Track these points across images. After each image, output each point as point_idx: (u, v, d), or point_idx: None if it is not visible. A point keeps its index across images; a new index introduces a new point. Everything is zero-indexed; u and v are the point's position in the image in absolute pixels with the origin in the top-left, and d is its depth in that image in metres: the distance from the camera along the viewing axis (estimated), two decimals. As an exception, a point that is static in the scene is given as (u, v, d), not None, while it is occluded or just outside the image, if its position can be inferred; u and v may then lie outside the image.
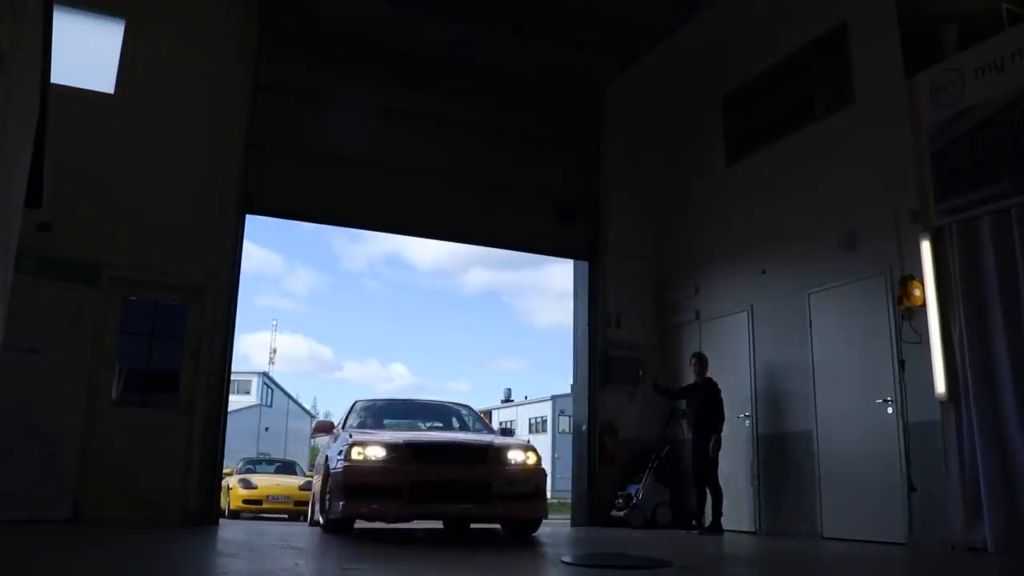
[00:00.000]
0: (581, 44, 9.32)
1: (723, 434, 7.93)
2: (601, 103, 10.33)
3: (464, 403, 8.58)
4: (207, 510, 7.55)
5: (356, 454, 6.04)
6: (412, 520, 6.63)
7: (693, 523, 8.18)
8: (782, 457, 7.89)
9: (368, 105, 9.17)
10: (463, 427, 7.93)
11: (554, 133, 10.07)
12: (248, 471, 16.84)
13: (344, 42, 9.08)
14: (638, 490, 8.89)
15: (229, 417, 8.09)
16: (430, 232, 9.93)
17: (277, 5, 8.60)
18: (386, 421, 7.82)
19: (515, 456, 6.35)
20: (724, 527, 7.82)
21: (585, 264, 10.04)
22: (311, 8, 8.68)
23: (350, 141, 8.97)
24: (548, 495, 7.83)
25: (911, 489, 6.45)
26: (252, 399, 44.95)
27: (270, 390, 48.04)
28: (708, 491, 7.94)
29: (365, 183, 8.96)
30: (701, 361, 8.35)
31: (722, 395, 8.05)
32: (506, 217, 9.64)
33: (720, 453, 7.90)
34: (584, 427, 9.63)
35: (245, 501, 14.80)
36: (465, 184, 9.47)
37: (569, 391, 11.50)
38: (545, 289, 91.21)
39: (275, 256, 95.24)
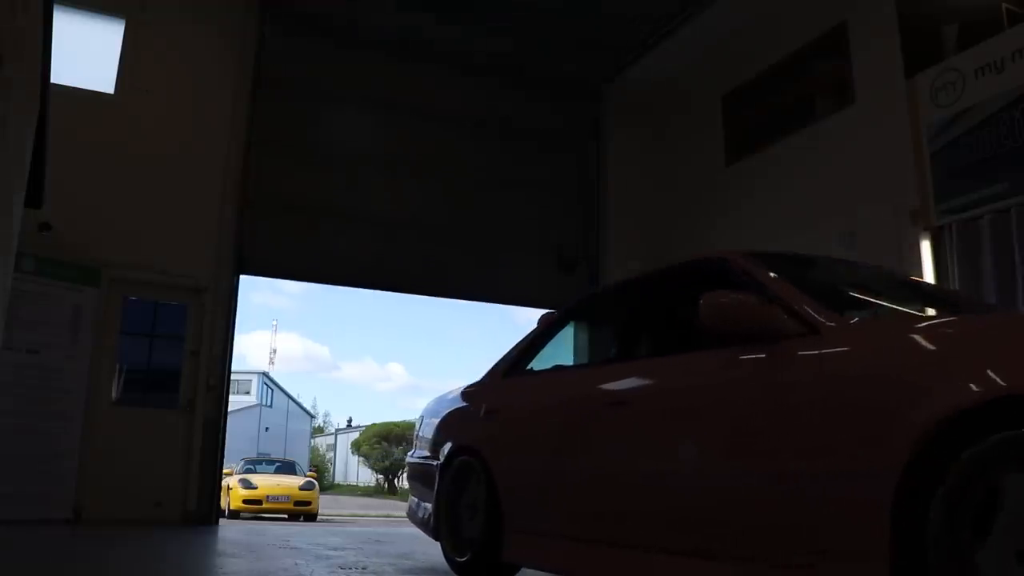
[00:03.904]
0: (580, 44, 9.30)
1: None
2: (599, 104, 10.32)
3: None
4: (207, 510, 7.55)
5: None
6: None
7: None
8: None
9: (368, 106, 9.17)
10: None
11: (552, 133, 10.05)
12: (248, 471, 16.89)
13: (344, 42, 9.06)
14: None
15: (229, 417, 8.09)
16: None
17: (278, 6, 8.61)
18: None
19: None
20: None
21: (585, 264, 10.04)
22: (312, 8, 8.68)
23: (351, 141, 8.97)
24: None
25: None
26: (252, 399, 44.94)
27: (270, 390, 48.04)
28: None
29: (365, 182, 8.95)
30: None
31: None
32: (505, 224, 9.59)
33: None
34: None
35: (245, 501, 14.85)
36: (464, 181, 9.45)
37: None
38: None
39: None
